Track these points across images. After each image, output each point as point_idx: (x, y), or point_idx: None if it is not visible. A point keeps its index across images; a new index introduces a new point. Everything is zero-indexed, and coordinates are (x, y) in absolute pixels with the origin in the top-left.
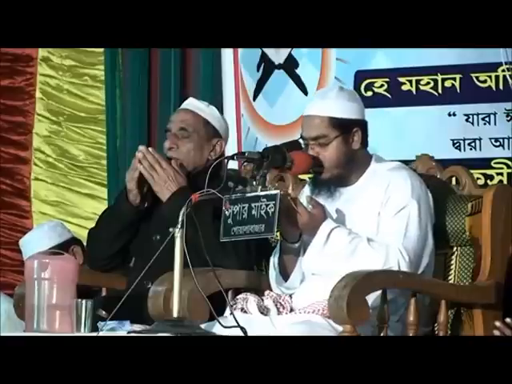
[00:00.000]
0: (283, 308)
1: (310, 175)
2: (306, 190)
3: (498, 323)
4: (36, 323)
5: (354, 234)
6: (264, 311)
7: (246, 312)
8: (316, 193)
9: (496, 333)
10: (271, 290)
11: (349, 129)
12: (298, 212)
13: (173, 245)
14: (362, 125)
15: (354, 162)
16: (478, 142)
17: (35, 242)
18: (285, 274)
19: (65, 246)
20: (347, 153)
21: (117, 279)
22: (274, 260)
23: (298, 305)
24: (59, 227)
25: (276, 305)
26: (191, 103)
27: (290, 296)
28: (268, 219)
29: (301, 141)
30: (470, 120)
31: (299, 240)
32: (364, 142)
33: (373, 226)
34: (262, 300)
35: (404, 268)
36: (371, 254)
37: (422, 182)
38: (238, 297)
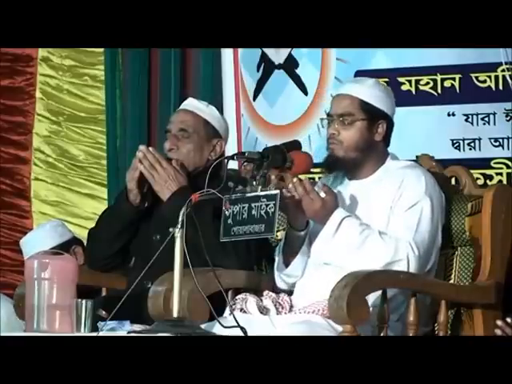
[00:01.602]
0: (282, 308)
1: (310, 175)
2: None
3: (499, 322)
4: (36, 323)
5: (365, 225)
6: (263, 311)
7: (245, 312)
8: (329, 184)
9: (497, 332)
10: (270, 290)
11: (375, 117)
12: (311, 198)
13: (173, 245)
14: (388, 120)
15: (372, 153)
16: (477, 141)
17: (36, 241)
18: (286, 261)
19: (66, 246)
20: (367, 140)
21: (117, 279)
22: (278, 248)
23: (298, 304)
24: (60, 227)
25: (275, 305)
26: (191, 103)
27: (289, 295)
28: (268, 219)
29: (324, 122)
30: (470, 120)
31: (306, 228)
32: (386, 139)
33: (384, 221)
34: (261, 300)
35: (413, 262)
36: (381, 245)
37: (436, 182)
38: (237, 297)
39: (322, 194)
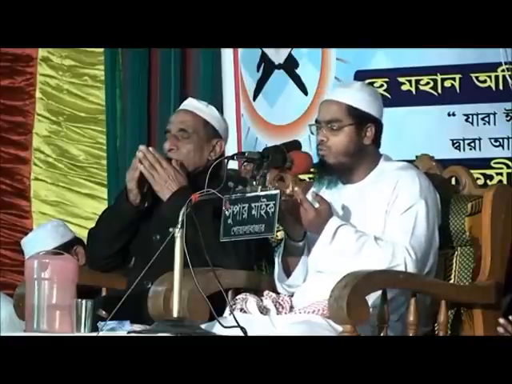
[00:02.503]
0: (282, 308)
1: (310, 175)
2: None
3: (501, 320)
4: (36, 323)
5: (360, 232)
6: (263, 311)
7: (245, 312)
8: (323, 189)
9: (500, 330)
10: (270, 290)
11: (363, 121)
12: (305, 208)
13: (173, 245)
14: (377, 123)
15: (363, 157)
16: (477, 141)
17: (38, 241)
18: (287, 272)
19: (67, 247)
20: (357, 144)
21: (117, 279)
22: (278, 257)
23: (298, 304)
24: (62, 227)
25: (275, 305)
26: (190, 103)
27: (290, 296)
28: (268, 219)
29: (313, 128)
30: (470, 120)
31: (304, 238)
32: (376, 141)
33: (379, 225)
34: (261, 300)
35: (410, 266)
36: (378, 251)
37: (431, 183)
38: (237, 297)
39: (316, 204)
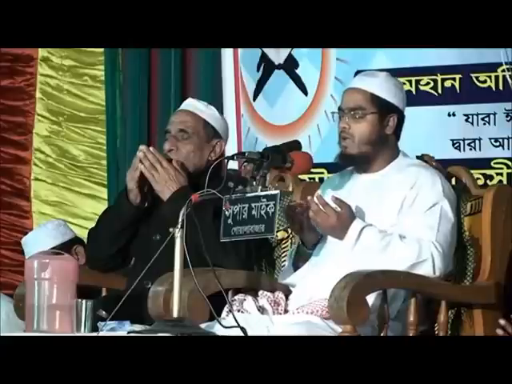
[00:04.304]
0: (278, 305)
1: (310, 175)
2: (324, 187)
3: (502, 321)
4: (36, 323)
5: (384, 231)
6: (260, 311)
7: (243, 312)
8: (336, 184)
9: (499, 331)
10: (271, 290)
11: (387, 111)
12: (326, 213)
13: (173, 245)
14: (399, 114)
15: (383, 147)
16: (477, 142)
17: (38, 241)
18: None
19: (67, 246)
20: (378, 133)
21: (117, 279)
22: (289, 258)
23: (296, 300)
24: (62, 227)
25: (271, 303)
26: (190, 104)
27: (286, 295)
28: (268, 219)
29: (335, 115)
30: (470, 120)
31: (315, 247)
32: (397, 133)
33: (391, 217)
34: (257, 300)
35: (438, 260)
36: (403, 248)
37: (450, 185)
38: (234, 298)
39: (336, 208)
